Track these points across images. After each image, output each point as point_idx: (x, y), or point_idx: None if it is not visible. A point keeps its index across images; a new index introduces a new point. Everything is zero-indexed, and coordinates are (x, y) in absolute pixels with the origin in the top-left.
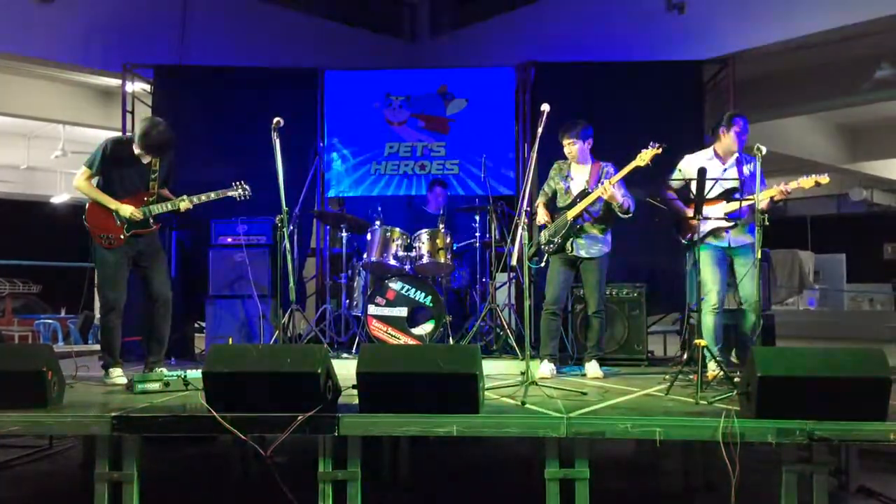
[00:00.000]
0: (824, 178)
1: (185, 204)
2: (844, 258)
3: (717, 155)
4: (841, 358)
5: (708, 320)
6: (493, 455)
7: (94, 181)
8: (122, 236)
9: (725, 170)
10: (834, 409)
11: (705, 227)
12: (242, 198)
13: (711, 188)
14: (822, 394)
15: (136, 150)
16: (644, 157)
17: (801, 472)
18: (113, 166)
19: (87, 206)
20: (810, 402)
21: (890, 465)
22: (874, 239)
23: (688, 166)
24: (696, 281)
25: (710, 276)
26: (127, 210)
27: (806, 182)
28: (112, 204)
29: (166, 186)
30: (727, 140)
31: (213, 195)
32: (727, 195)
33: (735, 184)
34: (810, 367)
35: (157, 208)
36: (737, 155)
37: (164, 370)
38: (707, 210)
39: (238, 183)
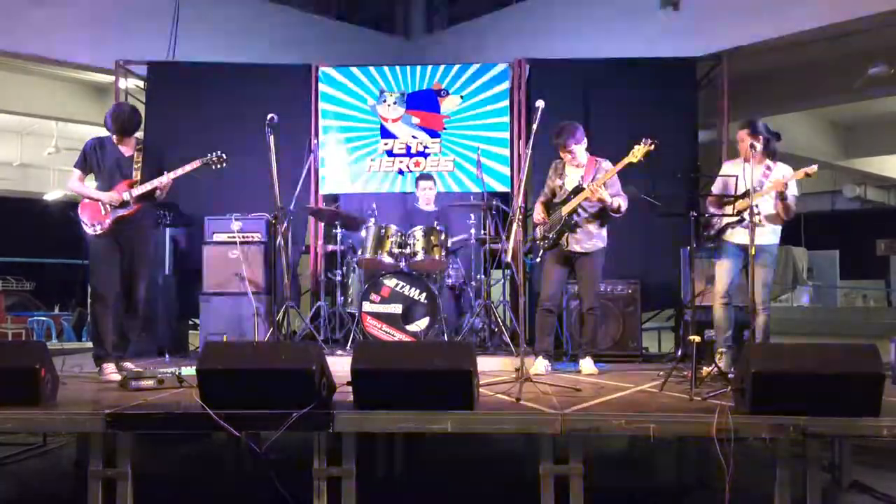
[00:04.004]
0: (812, 169)
1: (163, 179)
2: (838, 255)
3: (744, 160)
4: (834, 354)
5: (716, 310)
6: (488, 452)
7: (86, 181)
8: (107, 221)
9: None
10: (827, 404)
11: (720, 223)
12: (217, 166)
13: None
14: (816, 390)
15: (115, 141)
16: (636, 153)
17: (794, 468)
18: (97, 162)
19: (80, 204)
20: (804, 398)
21: (883, 460)
22: (867, 235)
23: (724, 171)
24: (690, 278)
25: (721, 267)
26: (106, 196)
27: (798, 174)
28: (96, 195)
29: None
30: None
31: (188, 168)
32: (745, 195)
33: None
34: (804, 364)
35: (138, 190)
36: (766, 160)
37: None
38: (727, 209)
39: (212, 153)
